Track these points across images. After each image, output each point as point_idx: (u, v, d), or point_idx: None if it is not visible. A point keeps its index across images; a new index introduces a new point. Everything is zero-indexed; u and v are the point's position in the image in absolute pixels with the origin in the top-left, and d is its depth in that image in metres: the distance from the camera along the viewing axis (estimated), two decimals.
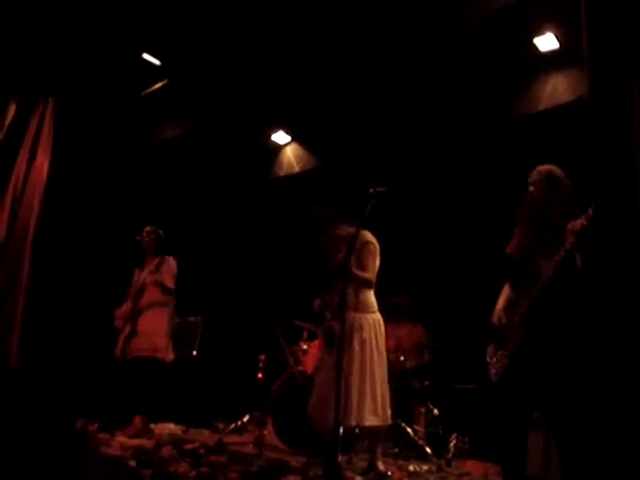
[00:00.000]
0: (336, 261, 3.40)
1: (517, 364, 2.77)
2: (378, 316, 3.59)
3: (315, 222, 3.65)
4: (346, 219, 3.53)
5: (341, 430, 3.47)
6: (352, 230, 3.53)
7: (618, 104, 2.25)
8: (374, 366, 3.40)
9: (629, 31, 2.15)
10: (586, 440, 2.46)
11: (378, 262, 3.57)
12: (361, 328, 3.44)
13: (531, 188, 2.97)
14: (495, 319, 2.99)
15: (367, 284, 3.52)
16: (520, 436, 2.84)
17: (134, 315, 4.74)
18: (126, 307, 4.86)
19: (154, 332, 4.72)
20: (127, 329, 4.71)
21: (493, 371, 2.93)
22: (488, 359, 3.00)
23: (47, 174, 4.78)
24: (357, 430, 3.57)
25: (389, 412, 3.48)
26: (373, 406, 3.33)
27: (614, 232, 2.38)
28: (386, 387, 3.50)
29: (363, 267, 3.50)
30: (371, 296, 3.58)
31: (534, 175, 3.00)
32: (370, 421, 3.32)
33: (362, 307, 3.51)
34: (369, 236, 3.60)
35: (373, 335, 3.46)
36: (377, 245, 3.59)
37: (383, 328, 3.59)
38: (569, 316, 2.69)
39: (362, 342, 3.41)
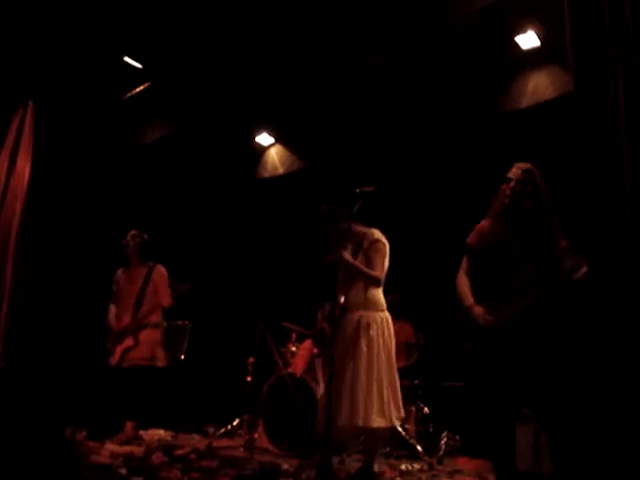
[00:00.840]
0: (331, 258, 3.37)
1: (510, 358, 2.77)
2: (387, 315, 3.53)
3: (325, 219, 3.60)
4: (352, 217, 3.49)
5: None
6: (362, 228, 3.54)
7: (603, 99, 2.27)
8: (381, 365, 3.34)
9: (612, 26, 2.17)
10: (578, 434, 2.48)
11: (387, 261, 3.53)
12: (368, 326, 3.39)
13: (513, 184, 2.98)
14: (477, 315, 2.92)
15: (375, 282, 3.48)
16: (508, 431, 2.84)
17: (136, 329, 4.72)
18: (117, 319, 4.83)
19: (154, 341, 4.79)
20: (129, 342, 4.70)
21: (477, 364, 2.93)
22: (469, 352, 2.98)
23: (28, 179, 4.71)
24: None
25: (397, 414, 3.38)
26: (380, 407, 3.26)
27: (601, 228, 2.40)
28: (396, 388, 3.43)
29: (372, 265, 3.47)
30: (379, 294, 3.54)
31: (517, 171, 3.01)
32: (377, 422, 3.24)
33: (370, 305, 3.47)
34: (378, 234, 3.57)
35: (381, 333, 3.41)
36: (387, 244, 3.55)
37: (392, 327, 3.53)
38: (563, 313, 2.71)
39: (369, 341, 3.35)
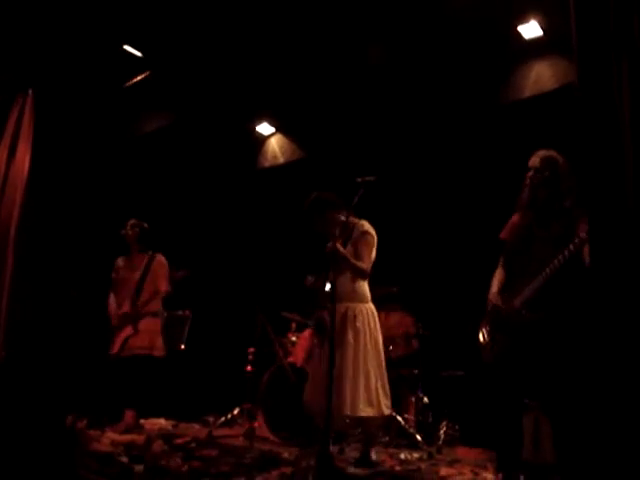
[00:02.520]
0: (327, 249, 3.37)
1: (519, 347, 2.78)
2: (372, 306, 3.59)
3: (314, 207, 3.61)
4: (345, 206, 3.49)
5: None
6: (353, 219, 3.53)
7: (607, 89, 2.25)
8: (368, 357, 3.38)
9: (617, 14, 2.14)
10: (585, 425, 2.48)
11: (374, 253, 3.54)
12: (355, 318, 3.42)
13: (531, 173, 2.97)
14: (492, 302, 3.00)
15: (362, 274, 3.51)
16: (517, 419, 2.86)
17: (136, 318, 4.74)
18: (117, 306, 4.83)
19: (154, 330, 4.80)
20: (128, 330, 4.72)
21: (488, 353, 2.95)
22: (482, 340, 3.02)
23: (28, 168, 4.70)
24: (347, 420, 3.54)
25: (386, 402, 3.44)
26: (367, 397, 3.31)
27: (605, 219, 2.38)
28: (384, 377, 3.48)
29: (359, 257, 3.48)
30: (365, 286, 3.57)
31: (534, 160, 2.99)
32: (365, 412, 3.30)
33: (356, 297, 3.51)
34: (367, 226, 3.58)
35: (367, 325, 3.45)
36: (375, 236, 3.56)
37: (377, 318, 3.58)
38: (575, 304, 2.70)
39: (356, 332, 3.40)
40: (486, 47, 5.14)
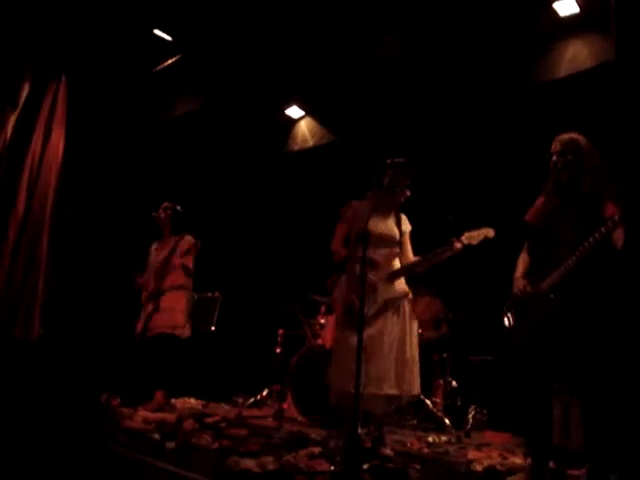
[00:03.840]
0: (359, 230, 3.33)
1: (547, 331, 2.75)
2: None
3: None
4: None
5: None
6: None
7: None
8: (414, 339, 3.40)
9: None
10: (615, 411, 2.44)
11: None
12: (406, 298, 3.45)
13: (554, 158, 2.93)
14: (517, 287, 2.97)
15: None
16: (546, 405, 2.84)
17: (157, 294, 4.77)
18: (146, 281, 4.89)
19: (174, 309, 4.75)
20: (150, 307, 4.75)
21: (515, 337, 2.92)
22: (507, 325, 2.99)
23: (62, 150, 4.79)
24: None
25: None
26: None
27: None
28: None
29: (409, 252, 3.57)
30: None
31: (556, 145, 2.97)
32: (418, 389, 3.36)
33: (402, 280, 3.54)
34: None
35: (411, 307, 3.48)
36: None
37: None
38: (605, 287, 2.64)
39: (409, 313, 3.43)
40: (521, 25, 5.00)
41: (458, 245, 3.23)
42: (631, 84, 2.31)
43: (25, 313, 4.25)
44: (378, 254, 3.41)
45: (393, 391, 3.19)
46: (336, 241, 3.55)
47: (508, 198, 5.02)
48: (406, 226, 3.59)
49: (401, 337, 3.31)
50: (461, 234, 3.25)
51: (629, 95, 2.33)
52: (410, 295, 3.48)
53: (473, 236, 3.23)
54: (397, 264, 3.50)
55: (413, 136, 5.79)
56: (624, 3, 2.23)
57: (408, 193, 3.52)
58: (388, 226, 3.50)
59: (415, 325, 3.44)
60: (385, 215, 3.53)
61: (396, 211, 3.58)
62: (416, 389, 3.31)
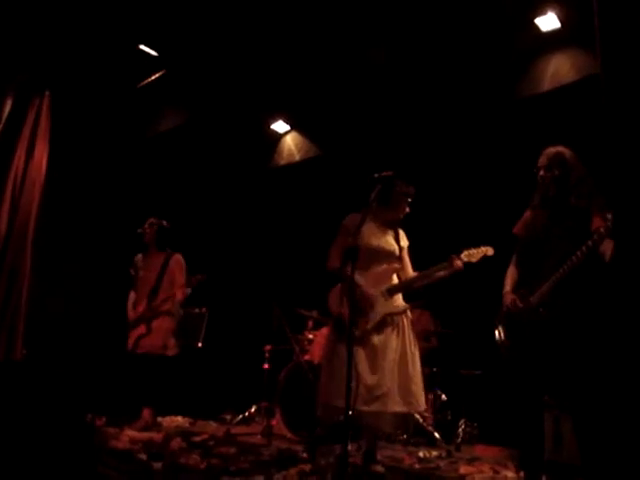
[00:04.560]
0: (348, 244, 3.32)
1: (537, 345, 2.75)
2: None
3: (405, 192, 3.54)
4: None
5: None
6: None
7: (632, 80, 2.19)
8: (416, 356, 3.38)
9: None
10: (607, 424, 2.44)
11: None
12: (406, 314, 3.43)
13: (541, 172, 2.97)
14: (507, 301, 2.97)
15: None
16: (537, 418, 2.83)
17: (150, 317, 4.74)
18: (132, 300, 4.85)
19: (167, 330, 4.78)
20: (142, 329, 4.73)
21: (506, 351, 2.92)
22: (497, 338, 2.99)
23: (46, 167, 4.73)
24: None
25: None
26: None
27: (630, 216, 2.32)
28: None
29: (409, 267, 3.54)
30: None
31: (542, 159, 3.00)
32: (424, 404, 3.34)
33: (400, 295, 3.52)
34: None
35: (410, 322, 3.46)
36: None
37: None
38: (594, 300, 2.65)
39: (408, 328, 3.40)
40: (503, 41, 5.07)
41: (459, 263, 3.23)
42: (616, 98, 2.33)
43: (8, 334, 4.16)
44: (375, 271, 3.41)
45: (399, 408, 3.15)
46: (334, 252, 3.51)
47: (494, 212, 5.05)
48: (404, 241, 3.59)
49: (402, 353, 3.28)
50: (460, 252, 3.25)
51: (615, 108, 2.35)
52: (409, 311, 3.46)
53: (472, 254, 3.24)
54: (396, 279, 3.49)
55: (399, 150, 5.81)
56: (607, 23, 2.26)
57: (408, 209, 3.53)
58: (387, 241, 3.49)
59: (415, 340, 3.41)
60: (384, 230, 3.52)
61: (395, 226, 3.58)
62: (422, 404, 3.29)
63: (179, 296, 4.82)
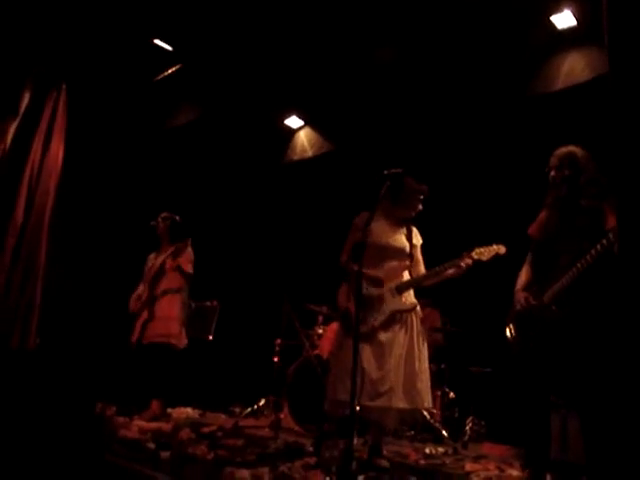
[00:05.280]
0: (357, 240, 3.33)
1: (548, 343, 2.74)
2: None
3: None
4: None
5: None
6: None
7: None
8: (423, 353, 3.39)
9: None
10: (614, 425, 2.43)
11: None
12: (415, 310, 3.43)
13: (552, 173, 2.96)
14: (519, 299, 2.97)
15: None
16: (544, 417, 2.83)
17: (151, 300, 4.75)
18: (141, 291, 4.89)
19: (169, 317, 4.73)
20: (145, 315, 4.73)
21: (517, 349, 2.92)
22: (509, 337, 2.99)
23: (62, 160, 4.79)
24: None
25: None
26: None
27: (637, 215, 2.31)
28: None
29: (420, 263, 3.54)
30: None
31: (553, 159, 2.99)
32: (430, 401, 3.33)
33: (412, 291, 3.52)
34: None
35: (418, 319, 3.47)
36: None
37: None
38: (607, 299, 2.64)
39: (417, 324, 3.41)
40: (518, 38, 5.04)
41: (468, 261, 3.23)
42: (626, 96, 2.32)
43: (22, 323, 4.22)
44: (385, 267, 3.41)
45: (403, 404, 3.17)
46: (346, 248, 3.53)
47: (506, 211, 5.04)
48: (417, 239, 3.58)
49: (409, 350, 3.29)
50: (472, 249, 3.25)
51: (624, 107, 2.34)
52: (418, 308, 3.47)
53: (483, 252, 3.23)
54: (407, 276, 3.49)
55: (411, 147, 5.80)
56: (617, 16, 2.25)
57: (420, 207, 3.53)
58: (397, 238, 3.48)
59: (423, 337, 3.41)
60: (395, 227, 3.52)
61: (407, 224, 3.58)
62: (428, 401, 3.29)
63: (185, 270, 4.75)
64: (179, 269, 4.77)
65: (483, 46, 5.12)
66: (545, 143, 3.23)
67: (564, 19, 4.81)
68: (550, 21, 4.83)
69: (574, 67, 4.92)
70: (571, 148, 2.99)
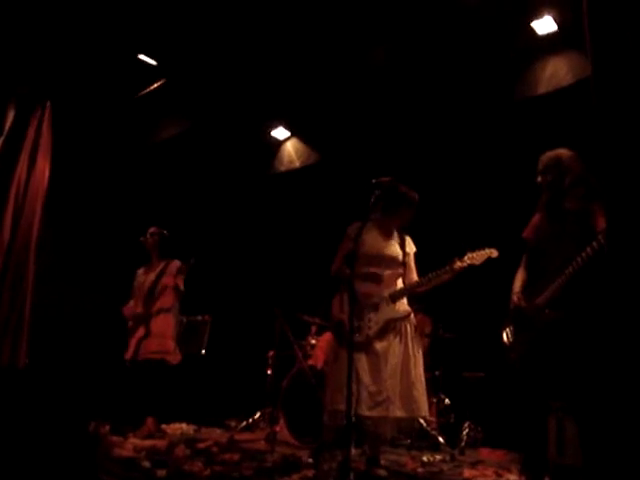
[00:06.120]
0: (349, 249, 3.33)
1: (543, 346, 2.75)
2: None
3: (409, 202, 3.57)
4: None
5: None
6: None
7: (622, 84, 2.20)
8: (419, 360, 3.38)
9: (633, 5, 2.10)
10: (611, 428, 2.44)
11: None
12: (409, 318, 3.43)
13: (539, 179, 2.99)
14: (514, 302, 2.97)
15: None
16: (541, 421, 2.83)
17: (147, 318, 4.74)
18: (134, 307, 4.86)
19: (164, 334, 4.75)
20: (141, 332, 4.72)
21: (512, 353, 2.92)
22: (505, 341, 2.99)
23: (48, 178, 4.77)
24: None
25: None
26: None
27: (623, 217, 2.33)
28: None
29: (414, 272, 3.54)
30: None
31: (539, 165, 3.02)
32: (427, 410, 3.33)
33: (404, 300, 3.51)
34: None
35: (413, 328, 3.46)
36: None
37: None
38: (600, 301, 2.65)
39: (412, 333, 3.40)
40: (500, 44, 5.09)
41: (459, 264, 3.23)
42: (608, 98, 2.34)
43: (12, 341, 4.19)
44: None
45: (401, 413, 3.17)
46: (337, 258, 3.52)
47: (494, 214, 5.06)
48: (410, 248, 3.59)
49: (404, 359, 3.29)
50: (464, 254, 3.25)
51: (606, 109, 2.36)
52: (412, 316, 3.47)
53: (475, 256, 3.23)
54: (400, 285, 3.49)
55: (398, 154, 5.83)
56: (597, 20, 2.27)
57: (412, 215, 3.56)
58: (390, 247, 3.49)
59: (418, 345, 3.41)
60: (387, 236, 3.53)
61: (400, 232, 3.59)
62: (425, 410, 3.29)
63: (178, 289, 4.78)
64: (177, 288, 4.79)
65: (468, 52, 5.17)
66: (531, 146, 3.26)
67: (545, 25, 4.86)
68: (531, 27, 4.88)
69: (557, 72, 4.98)
70: (558, 151, 3.01)
